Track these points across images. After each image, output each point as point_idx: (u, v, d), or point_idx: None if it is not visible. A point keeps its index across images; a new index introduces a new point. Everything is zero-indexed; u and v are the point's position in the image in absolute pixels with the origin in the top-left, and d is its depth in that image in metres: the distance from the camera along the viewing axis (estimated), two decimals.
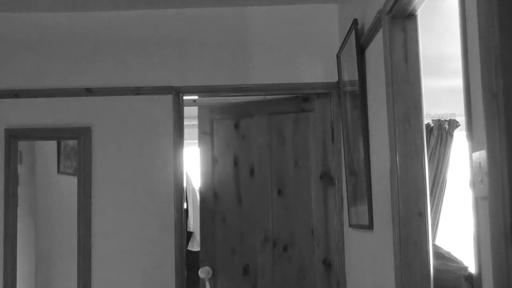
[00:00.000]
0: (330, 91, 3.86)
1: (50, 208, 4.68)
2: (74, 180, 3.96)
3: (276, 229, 3.98)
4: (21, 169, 4.05)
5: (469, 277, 3.09)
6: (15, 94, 3.85)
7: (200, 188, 4.27)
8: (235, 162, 4.13)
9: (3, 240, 3.75)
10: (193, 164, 5.73)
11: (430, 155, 5.63)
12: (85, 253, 3.75)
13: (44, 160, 4.74)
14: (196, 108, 4.68)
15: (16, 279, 3.80)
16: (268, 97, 4.10)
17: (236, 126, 4.16)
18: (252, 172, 4.08)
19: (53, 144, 4.78)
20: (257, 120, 4.09)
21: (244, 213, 4.08)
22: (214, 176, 4.16)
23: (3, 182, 3.78)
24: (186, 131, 4.03)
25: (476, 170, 1.51)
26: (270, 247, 3.98)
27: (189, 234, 4.23)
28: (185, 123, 3.96)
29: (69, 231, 3.94)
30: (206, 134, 4.22)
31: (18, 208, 3.87)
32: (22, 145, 4.04)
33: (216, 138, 4.20)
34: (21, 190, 4.00)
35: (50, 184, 4.79)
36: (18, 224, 3.85)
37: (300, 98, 4.00)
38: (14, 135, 3.83)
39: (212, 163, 4.18)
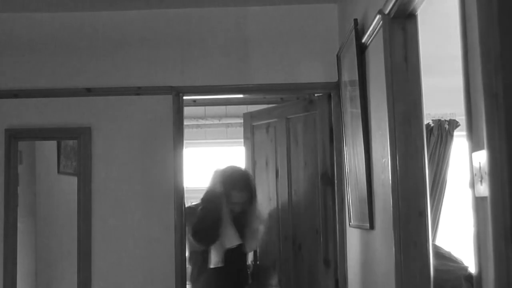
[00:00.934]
0: (330, 91, 3.86)
1: (50, 208, 4.67)
2: (74, 180, 3.96)
3: (293, 228, 4.15)
4: (21, 169, 4.04)
5: (469, 277, 3.08)
6: (15, 94, 3.85)
7: None
8: (266, 164, 4.38)
9: (3, 240, 3.75)
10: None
11: (430, 155, 5.62)
12: (85, 253, 3.75)
13: (44, 160, 4.74)
14: (196, 108, 4.73)
15: (16, 279, 3.80)
16: (281, 99, 4.44)
17: (267, 130, 4.39)
18: (277, 173, 4.30)
19: (53, 144, 4.78)
20: (279, 124, 4.29)
21: (272, 213, 4.31)
22: (255, 177, 4.42)
23: (3, 182, 3.78)
24: (186, 131, 4.03)
25: (476, 170, 1.51)
26: (290, 246, 4.15)
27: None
28: (185, 123, 3.96)
29: (69, 231, 3.93)
30: (248, 139, 4.54)
31: (18, 208, 3.87)
32: (22, 145, 4.04)
33: (255, 142, 4.50)
34: (21, 190, 4.00)
35: (50, 184, 4.79)
36: (18, 224, 3.85)
37: (307, 100, 4.07)
38: (14, 135, 3.83)
39: (252, 165, 4.47)
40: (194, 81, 3.89)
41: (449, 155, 5.75)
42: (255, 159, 4.48)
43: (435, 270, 2.46)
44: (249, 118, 4.58)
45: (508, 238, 1.32)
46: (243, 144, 4.65)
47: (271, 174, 4.34)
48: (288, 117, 4.23)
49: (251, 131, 4.53)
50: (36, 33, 3.93)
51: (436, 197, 5.65)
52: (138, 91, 3.86)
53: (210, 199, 3.93)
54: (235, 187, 3.95)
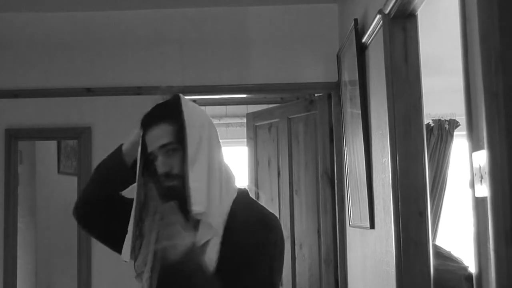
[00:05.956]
0: (330, 91, 3.87)
1: (50, 208, 4.68)
2: (74, 180, 3.96)
3: (294, 228, 4.16)
4: (21, 169, 4.05)
5: (469, 277, 3.09)
6: (15, 94, 3.85)
7: (248, 188, 4.45)
8: (269, 164, 4.39)
9: (3, 240, 3.75)
10: None
11: (430, 155, 5.62)
12: (85, 253, 3.75)
13: (44, 160, 4.74)
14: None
15: (16, 279, 3.80)
16: (281, 99, 4.46)
17: (269, 130, 4.40)
18: (279, 173, 4.31)
19: (53, 144, 4.78)
20: (281, 123, 4.31)
21: (274, 213, 4.29)
22: (257, 177, 4.46)
23: (3, 182, 3.78)
24: None
25: (476, 170, 1.51)
26: (291, 245, 4.15)
27: None
28: None
29: (69, 231, 3.93)
30: (251, 139, 4.55)
31: (18, 207, 3.87)
32: (22, 145, 4.04)
33: (258, 142, 4.52)
34: (21, 190, 4.00)
35: (50, 184, 4.79)
36: (18, 224, 3.85)
37: (307, 100, 4.08)
38: (14, 135, 3.83)
39: (255, 165, 4.49)
40: (194, 81, 3.89)
41: (449, 155, 5.74)
42: (258, 159, 4.49)
43: (435, 270, 2.47)
44: (251, 118, 4.59)
45: (508, 238, 1.32)
46: (245, 144, 4.66)
47: (273, 173, 4.35)
48: (290, 117, 4.24)
49: (254, 131, 4.53)
50: (36, 33, 3.93)
51: (436, 197, 5.64)
52: (138, 91, 3.86)
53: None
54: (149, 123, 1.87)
